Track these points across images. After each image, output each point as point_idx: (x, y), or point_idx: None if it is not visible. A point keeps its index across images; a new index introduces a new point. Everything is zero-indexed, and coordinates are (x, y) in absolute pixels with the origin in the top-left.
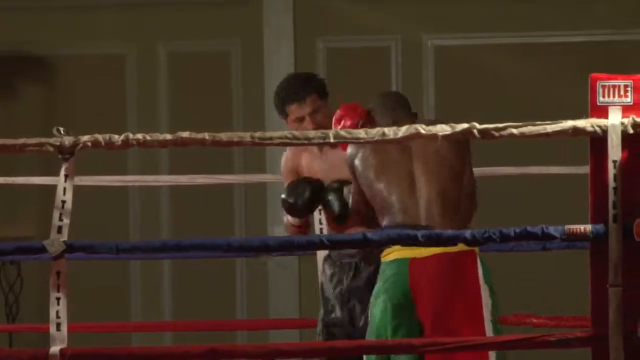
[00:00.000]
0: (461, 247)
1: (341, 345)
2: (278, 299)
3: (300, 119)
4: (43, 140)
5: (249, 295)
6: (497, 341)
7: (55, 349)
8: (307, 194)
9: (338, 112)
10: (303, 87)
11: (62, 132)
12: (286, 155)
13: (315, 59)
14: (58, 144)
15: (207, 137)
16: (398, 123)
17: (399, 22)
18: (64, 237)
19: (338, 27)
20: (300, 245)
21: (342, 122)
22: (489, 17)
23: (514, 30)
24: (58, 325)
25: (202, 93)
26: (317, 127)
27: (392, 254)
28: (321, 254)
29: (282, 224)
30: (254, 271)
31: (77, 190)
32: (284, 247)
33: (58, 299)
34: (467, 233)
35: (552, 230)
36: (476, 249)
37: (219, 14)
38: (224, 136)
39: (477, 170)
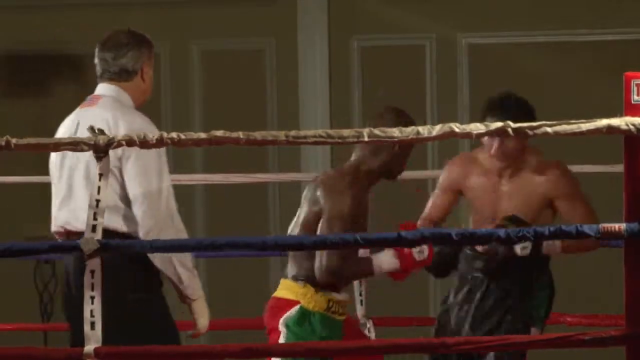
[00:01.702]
0: (283, 293)
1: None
2: None
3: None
4: (78, 139)
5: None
6: (529, 340)
7: (89, 347)
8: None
9: None
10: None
11: (96, 130)
12: (450, 167)
13: (349, 58)
14: (92, 142)
15: (241, 136)
16: None
17: (433, 20)
18: (98, 235)
19: (372, 26)
20: (335, 244)
21: None
22: (523, 15)
23: (548, 29)
24: (92, 324)
25: (236, 92)
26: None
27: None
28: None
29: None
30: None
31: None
32: (318, 245)
33: (92, 297)
34: (502, 232)
35: (586, 228)
36: (299, 300)
37: (252, 13)
38: (258, 135)
39: None
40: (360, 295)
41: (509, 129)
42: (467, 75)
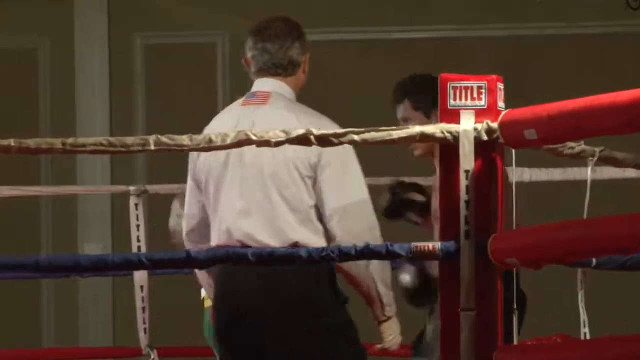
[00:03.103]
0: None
1: None
2: (89, 325)
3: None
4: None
5: (57, 321)
6: None
7: None
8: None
9: None
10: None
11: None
12: None
13: (132, 57)
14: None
15: (12, 144)
16: None
17: (225, 16)
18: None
19: (158, 22)
20: (117, 265)
21: None
22: (327, 11)
23: (351, 25)
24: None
25: (3, 94)
26: None
27: None
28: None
29: (94, 241)
30: (62, 294)
31: None
32: (98, 266)
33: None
34: (303, 251)
35: (397, 247)
36: None
37: (24, 8)
38: (31, 142)
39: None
40: (144, 323)
41: (311, 137)
42: None
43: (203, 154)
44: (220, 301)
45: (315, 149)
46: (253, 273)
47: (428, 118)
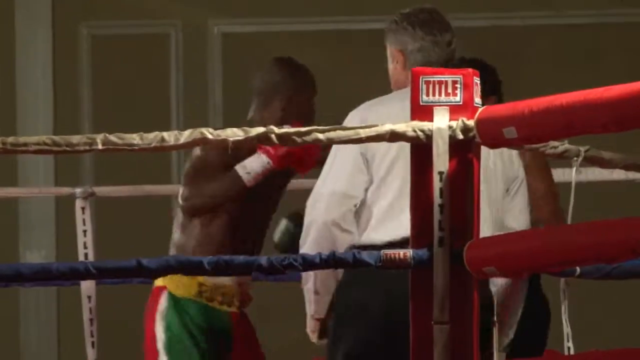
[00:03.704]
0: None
1: None
2: (31, 339)
3: None
4: None
5: None
6: None
7: None
8: None
9: None
10: None
11: None
12: None
13: (77, 48)
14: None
15: None
16: None
17: (179, 5)
18: None
19: (105, 11)
20: (62, 274)
21: None
22: (284, 1)
23: (317, 16)
24: None
25: None
26: None
27: None
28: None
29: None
30: (1, 306)
31: None
32: (41, 276)
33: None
34: (264, 260)
35: (365, 256)
36: (166, 285)
37: None
38: None
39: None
40: (92, 336)
41: (272, 135)
42: (219, 69)
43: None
44: (368, 304)
45: None
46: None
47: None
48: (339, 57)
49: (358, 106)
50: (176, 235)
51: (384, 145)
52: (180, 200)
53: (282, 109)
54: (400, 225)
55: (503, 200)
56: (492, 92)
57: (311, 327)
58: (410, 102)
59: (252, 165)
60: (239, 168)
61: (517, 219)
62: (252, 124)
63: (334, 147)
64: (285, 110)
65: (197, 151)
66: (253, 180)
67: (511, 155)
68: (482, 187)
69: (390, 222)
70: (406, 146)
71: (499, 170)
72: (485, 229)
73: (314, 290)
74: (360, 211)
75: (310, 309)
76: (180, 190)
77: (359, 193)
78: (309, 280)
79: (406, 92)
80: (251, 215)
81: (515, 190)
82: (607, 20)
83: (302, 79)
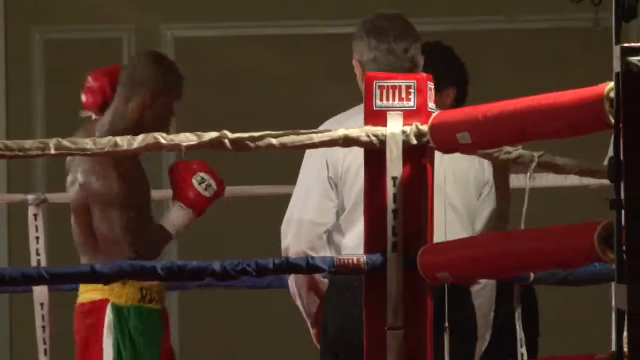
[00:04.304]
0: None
1: None
2: None
3: None
4: None
5: None
6: None
7: None
8: None
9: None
10: None
11: None
12: None
13: (30, 52)
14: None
15: None
16: None
17: (132, 9)
18: None
19: (58, 16)
20: (15, 280)
21: None
22: (239, 5)
23: (273, 20)
24: None
25: None
26: None
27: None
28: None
29: None
30: None
31: None
32: None
33: None
34: (217, 265)
35: (319, 262)
36: (108, 297)
37: None
38: None
39: None
40: (45, 344)
41: (226, 140)
42: None
43: (343, 153)
44: None
45: None
46: None
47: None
48: (292, 61)
49: (310, 111)
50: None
51: (352, 170)
52: (125, 237)
53: (144, 103)
54: None
55: (475, 204)
56: (454, 79)
57: (313, 334)
58: (364, 107)
59: (179, 221)
60: (167, 225)
61: (486, 224)
62: (115, 113)
63: (302, 171)
64: (147, 105)
65: (114, 189)
66: (175, 233)
67: (482, 161)
68: (452, 188)
69: None
70: None
71: (471, 173)
72: (457, 229)
73: (302, 306)
74: (332, 236)
75: (307, 319)
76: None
77: (329, 219)
78: (296, 297)
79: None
80: None
81: (486, 195)
82: (564, 25)
83: (172, 79)
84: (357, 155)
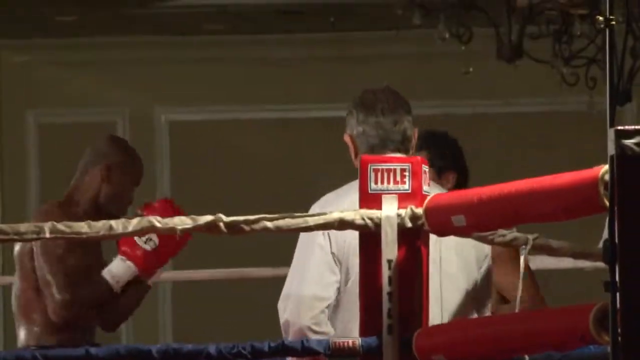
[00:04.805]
0: None
1: None
2: None
3: None
4: None
5: None
6: None
7: None
8: None
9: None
10: None
11: None
12: None
13: (24, 136)
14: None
15: None
16: None
17: (127, 93)
18: None
19: (52, 99)
20: None
21: None
22: (232, 89)
23: (262, 103)
24: None
25: None
26: None
27: None
28: None
29: None
30: None
31: None
32: None
33: None
34: (212, 348)
35: (314, 344)
36: None
37: None
38: None
39: None
40: None
41: (221, 224)
42: (167, 157)
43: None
44: None
45: None
46: None
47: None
48: (280, 144)
49: (302, 192)
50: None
51: (355, 243)
52: (56, 306)
53: (100, 175)
54: None
55: (476, 276)
56: (454, 164)
57: None
58: (358, 190)
59: (120, 273)
60: (106, 275)
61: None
62: (73, 185)
63: (301, 243)
64: (103, 178)
65: (50, 248)
66: (119, 287)
67: None
68: (454, 258)
69: None
70: None
71: (471, 245)
72: (457, 298)
73: None
74: (336, 311)
75: None
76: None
77: (330, 294)
78: None
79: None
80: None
81: (486, 268)
82: (556, 108)
83: (128, 158)
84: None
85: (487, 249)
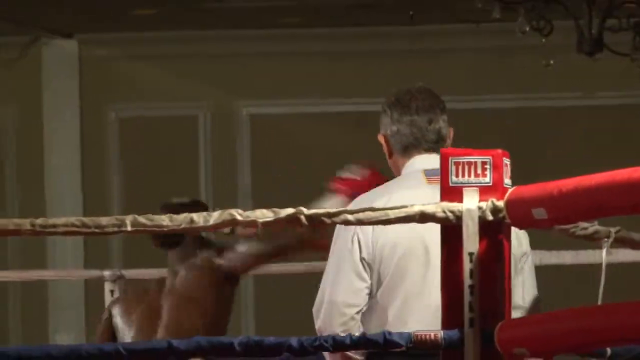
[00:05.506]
0: None
1: None
2: None
3: None
4: None
5: None
6: None
7: None
8: None
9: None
10: None
11: None
12: None
13: (105, 130)
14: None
15: None
16: None
17: (208, 87)
18: None
19: (133, 94)
20: (92, 356)
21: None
22: (312, 84)
23: (341, 97)
24: None
25: None
26: None
27: None
28: None
29: (65, 331)
30: None
31: None
32: (70, 357)
33: None
34: (294, 341)
35: (396, 337)
36: None
37: None
38: None
39: None
40: None
41: (302, 217)
42: (248, 150)
43: (374, 232)
44: None
45: None
46: None
47: None
48: (359, 137)
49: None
50: None
51: (387, 247)
52: None
53: None
54: (420, 322)
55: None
56: None
57: None
58: (440, 183)
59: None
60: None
61: (523, 297)
62: None
63: (332, 250)
64: None
65: None
66: None
67: (519, 234)
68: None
69: (410, 318)
70: (414, 242)
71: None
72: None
73: None
74: (369, 315)
75: None
76: None
77: (360, 300)
78: None
79: (417, 178)
80: None
81: (521, 267)
82: (636, 101)
83: None
84: (388, 232)
85: (524, 248)
